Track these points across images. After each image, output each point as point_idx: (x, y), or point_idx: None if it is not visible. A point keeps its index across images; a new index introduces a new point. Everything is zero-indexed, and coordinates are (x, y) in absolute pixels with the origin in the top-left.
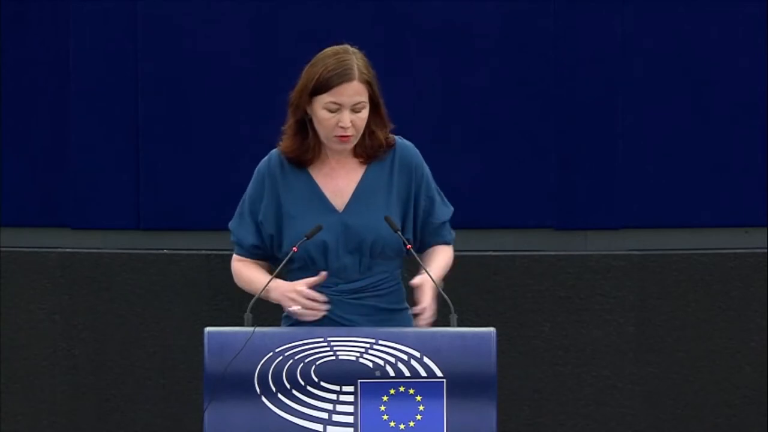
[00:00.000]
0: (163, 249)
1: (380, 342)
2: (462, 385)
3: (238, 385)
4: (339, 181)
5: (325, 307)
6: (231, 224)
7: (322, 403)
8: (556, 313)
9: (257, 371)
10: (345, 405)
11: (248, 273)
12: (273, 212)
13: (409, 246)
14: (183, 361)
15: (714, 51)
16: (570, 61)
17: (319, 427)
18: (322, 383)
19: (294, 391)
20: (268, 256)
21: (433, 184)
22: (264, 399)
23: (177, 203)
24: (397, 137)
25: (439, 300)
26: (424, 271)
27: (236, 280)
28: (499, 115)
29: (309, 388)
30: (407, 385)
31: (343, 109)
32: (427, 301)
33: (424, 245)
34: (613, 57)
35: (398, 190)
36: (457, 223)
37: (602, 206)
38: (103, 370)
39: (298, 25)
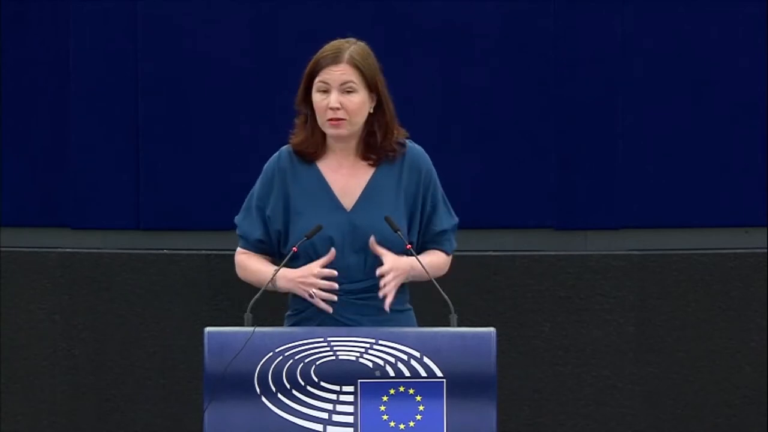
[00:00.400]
0: (163, 249)
1: (380, 342)
2: (462, 385)
3: (238, 385)
4: (348, 180)
5: (336, 287)
6: (237, 218)
7: (322, 403)
8: (556, 313)
9: (257, 371)
10: (345, 405)
11: (254, 264)
12: (281, 208)
13: (409, 245)
14: (183, 361)
15: (714, 51)
16: (570, 61)
17: (319, 427)
18: (322, 383)
19: (294, 391)
20: (272, 251)
21: (440, 192)
22: (264, 399)
23: (177, 203)
24: (408, 141)
25: (439, 300)
26: (416, 258)
27: (240, 272)
28: (499, 115)
29: (309, 388)
30: (407, 385)
31: (332, 90)
32: (389, 262)
33: (422, 252)
34: (613, 57)
35: (406, 193)
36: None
37: (602, 206)
38: (103, 370)
39: (298, 25)
